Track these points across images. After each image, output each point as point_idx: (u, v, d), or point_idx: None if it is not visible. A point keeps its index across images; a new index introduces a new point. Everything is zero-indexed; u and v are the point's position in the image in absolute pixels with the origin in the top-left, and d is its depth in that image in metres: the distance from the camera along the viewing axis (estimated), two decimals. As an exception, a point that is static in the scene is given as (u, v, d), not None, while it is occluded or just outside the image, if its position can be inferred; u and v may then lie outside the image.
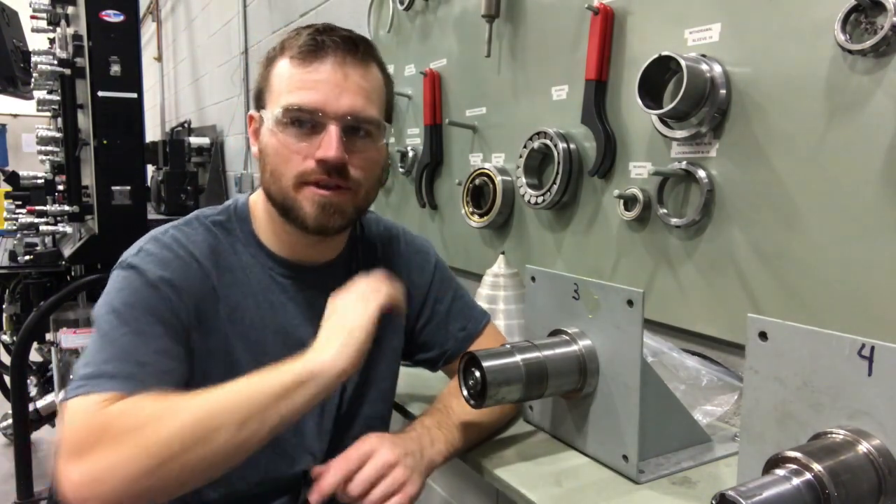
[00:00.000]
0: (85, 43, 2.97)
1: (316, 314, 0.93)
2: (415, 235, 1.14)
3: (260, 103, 0.92)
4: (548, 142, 1.24)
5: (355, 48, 0.87)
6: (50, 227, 3.43)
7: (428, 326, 1.08)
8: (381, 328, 1.02)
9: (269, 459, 0.91)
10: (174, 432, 0.68)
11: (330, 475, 0.81)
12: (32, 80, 3.44)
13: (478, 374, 0.83)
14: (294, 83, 0.86)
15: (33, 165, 4.82)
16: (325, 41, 0.86)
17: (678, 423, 0.89)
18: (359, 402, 1.01)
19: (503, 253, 1.31)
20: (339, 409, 0.98)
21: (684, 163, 1.02)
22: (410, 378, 1.17)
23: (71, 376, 1.81)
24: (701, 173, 0.99)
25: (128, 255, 0.87)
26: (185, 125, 4.43)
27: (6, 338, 3.12)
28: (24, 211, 3.65)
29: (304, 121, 0.86)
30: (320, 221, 0.88)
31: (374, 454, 0.83)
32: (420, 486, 0.84)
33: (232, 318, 0.89)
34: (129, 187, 2.98)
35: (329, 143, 0.85)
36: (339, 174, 0.87)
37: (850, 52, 0.80)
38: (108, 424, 0.69)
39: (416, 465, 0.85)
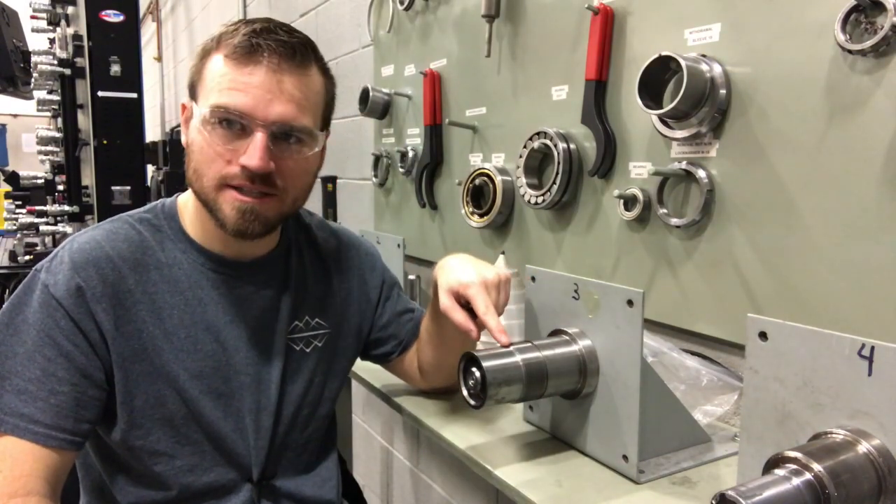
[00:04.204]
0: (85, 43, 2.97)
1: (246, 311, 0.95)
2: (359, 237, 1.17)
3: (192, 95, 0.89)
4: (548, 142, 1.24)
5: (292, 54, 0.85)
6: (50, 227, 3.43)
7: (382, 321, 1.12)
8: (337, 329, 1.06)
9: (212, 458, 0.92)
10: None
11: (490, 322, 0.89)
12: (32, 80, 3.45)
13: (478, 373, 0.83)
14: (225, 83, 0.83)
15: (33, 165, 4.82)
16: (261, 44, 0.83)
17: (678, 423, 0.89)
18: (301, 404, 1.00)
19: (503, 253, 1.30)
20: (279, 409, 0.97)
21: (684, 163, 1.02)
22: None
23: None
24: (701, 173, 0.99)
25: (44, 262, 0.87)
26: (185, 125, 4.42)
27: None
28: (24, 211, 3.65)
29: (232, 123, 0.84)
30: (240, 227, 0.87)
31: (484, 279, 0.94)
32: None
33: (158, 317, 0.89)
34: (129, 187, 2.98)
35: (253, 151, 0.83)
36: (263, 182, 0.86)
37: (850, 52, 0.80)
38: None
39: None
